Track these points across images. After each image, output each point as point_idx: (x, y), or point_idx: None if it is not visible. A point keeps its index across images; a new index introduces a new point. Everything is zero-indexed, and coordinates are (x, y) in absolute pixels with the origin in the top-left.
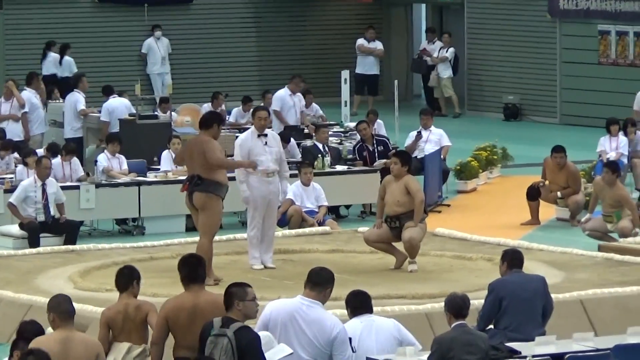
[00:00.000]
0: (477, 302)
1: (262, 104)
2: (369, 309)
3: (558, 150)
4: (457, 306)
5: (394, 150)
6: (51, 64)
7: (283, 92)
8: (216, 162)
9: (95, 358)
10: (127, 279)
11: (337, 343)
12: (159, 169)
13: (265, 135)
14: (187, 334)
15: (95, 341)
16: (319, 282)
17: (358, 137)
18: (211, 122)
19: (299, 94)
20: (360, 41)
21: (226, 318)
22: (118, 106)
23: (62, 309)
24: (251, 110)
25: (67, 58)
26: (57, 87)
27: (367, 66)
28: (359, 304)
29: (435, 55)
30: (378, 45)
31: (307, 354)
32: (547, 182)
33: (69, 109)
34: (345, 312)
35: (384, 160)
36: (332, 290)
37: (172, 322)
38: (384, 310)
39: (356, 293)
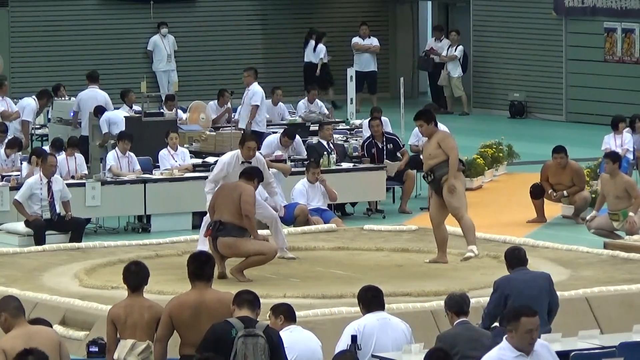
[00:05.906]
0: (482, 299)
1: (271, 101)
2: (381, 306)
3: (558, 150)
4: (457, 304)
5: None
6: (310, 52)
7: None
8: (248, 213)
9: (59, 347)
10: (141, 279)
11: None
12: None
13: (250, 162)
14: (190, 331)
15: (55, 331)
16: None
17: (363, 134)
18: (253, 177)
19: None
20: (355, 39)
21: (245, 318)
22: (118, 121)
23: (12, 306)
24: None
25: (320, 46)
26: (310, 75)
27: (364, 63)
28: (371, 299)
29: (443, 53)
30: (373, 41)
31: None
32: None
33: (87, 105)
34: (352, 309)
35: (398, 163)
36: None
37: (176, 319)
38: (389, 308)
39: (368, 288)
